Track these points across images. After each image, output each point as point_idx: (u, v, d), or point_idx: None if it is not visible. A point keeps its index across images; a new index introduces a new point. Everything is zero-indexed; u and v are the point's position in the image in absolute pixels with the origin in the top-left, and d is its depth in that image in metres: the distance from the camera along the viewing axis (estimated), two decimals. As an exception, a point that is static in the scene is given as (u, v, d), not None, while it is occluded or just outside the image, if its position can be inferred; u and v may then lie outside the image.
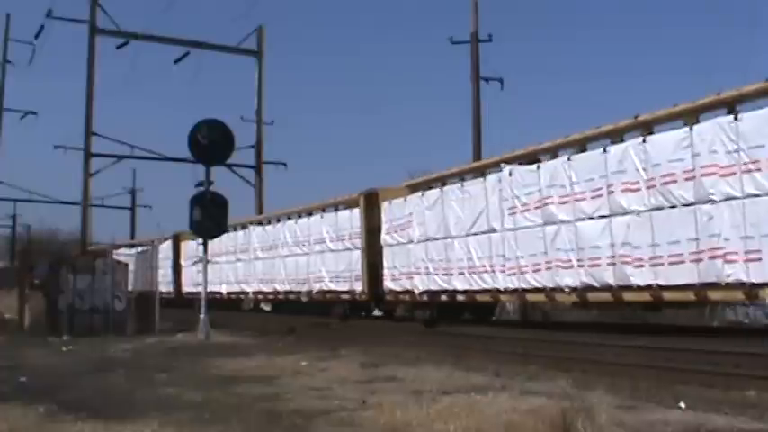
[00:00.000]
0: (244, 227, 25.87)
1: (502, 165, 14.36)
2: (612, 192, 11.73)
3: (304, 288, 21.50)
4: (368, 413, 6.27)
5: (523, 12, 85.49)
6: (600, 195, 11.95)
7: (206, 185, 16.24)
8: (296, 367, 9.81)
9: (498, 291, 14.27)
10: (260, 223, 25.21)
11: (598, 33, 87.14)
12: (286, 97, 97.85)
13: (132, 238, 45.23)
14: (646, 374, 8.51)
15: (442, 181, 16.72)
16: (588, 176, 12.18)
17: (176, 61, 31.63)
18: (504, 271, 13.97)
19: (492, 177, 14.66)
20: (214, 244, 25.19)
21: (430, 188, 16.87)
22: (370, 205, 18.91)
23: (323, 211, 21.33)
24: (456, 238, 15.37)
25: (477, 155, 21.78)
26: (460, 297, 15.52)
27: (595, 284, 12.03)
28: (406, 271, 17.12)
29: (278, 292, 23.31)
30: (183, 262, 29.71)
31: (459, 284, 15.28)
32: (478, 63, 23.07)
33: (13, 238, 55.39)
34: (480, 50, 23.08)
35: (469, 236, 14.98)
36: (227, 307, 26.54)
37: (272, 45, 57.12)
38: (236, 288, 26.06)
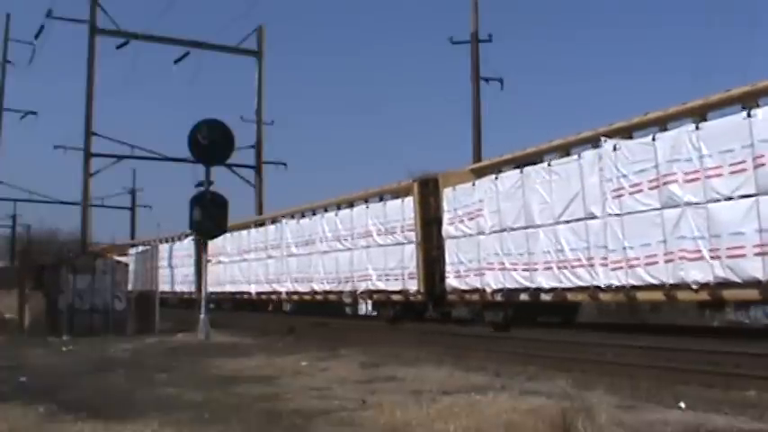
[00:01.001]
0: (275, 221, 24.19)
1: (602, 139, 12.19)
2: (762, 164, 9.50)
3: (347, 287, 19.36)
4: (368, 413, 6.27)
5: (523, 11, 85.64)
6: (743, 170, 9.73)
7: (206, 185, 16.28)
8: (296, 367, 9.82)
9: (598, 288, 12.09)
10: (293, 216, 23.07)
11: (598, 33, 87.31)
12: (286, 97, 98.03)
13: (132, 237, 45.21)
14: (646, 374, 8.51)
15: (516, 162, 14.56)
16: (725, 147, 9.97)
17: (176, 61, 31.77)
18: (606, 265, 11.83)
19: (589, 154, 12.45)
20: (243, 240, 25.04)
21: (500, 171, 14.78)
22: (426, 193, 17.01)
23: (366, 201, 19.33)
24: (541, 226, 13.22)
25: (477, 155, 21.76)
26: (545, 296, 13.28)
27: (736, 279, 9.85)
28: (475, 267, 14.95)
29: (316, 292, 21.06)
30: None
31: (544, 281, 13.11)
32: (478, 63, 23.08)
33: (13, 238, 55.35)
34: (480, 50, 23.11)
35: (559, 224, 12.84)
36: (257, 308, 25.66)
37: (272, 45, 57.14)
38: (266, 288, 23.96)
